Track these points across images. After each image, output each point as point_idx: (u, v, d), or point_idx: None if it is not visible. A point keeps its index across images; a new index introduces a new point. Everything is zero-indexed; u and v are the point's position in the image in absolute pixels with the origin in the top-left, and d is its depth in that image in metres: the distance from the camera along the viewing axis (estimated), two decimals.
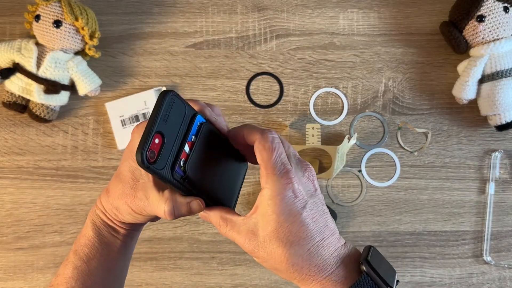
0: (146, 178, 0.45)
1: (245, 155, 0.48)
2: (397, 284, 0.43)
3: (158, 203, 0.44)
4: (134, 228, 0.53)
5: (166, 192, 0.44)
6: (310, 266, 0.41)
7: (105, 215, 0.50)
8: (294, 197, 0.41)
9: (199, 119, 0.44)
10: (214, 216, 0.45)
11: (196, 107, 0.45)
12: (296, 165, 0.43)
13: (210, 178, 0.46)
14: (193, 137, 0.44)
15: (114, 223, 0.51)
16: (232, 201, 0.49)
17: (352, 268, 0.41)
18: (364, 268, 0.41)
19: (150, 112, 0.75)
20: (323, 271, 0.41)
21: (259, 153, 0.42)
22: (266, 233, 0.41)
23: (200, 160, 0.44)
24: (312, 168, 0.44)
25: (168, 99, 0.41)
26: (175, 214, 0.44)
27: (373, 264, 0.41)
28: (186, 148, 0.43)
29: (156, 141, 0.40)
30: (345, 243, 0.43)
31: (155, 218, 0.50)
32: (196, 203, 0.44)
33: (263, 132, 0.43)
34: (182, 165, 0.43)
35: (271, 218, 0.41)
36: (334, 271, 0.41)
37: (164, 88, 0.80)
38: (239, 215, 0.44)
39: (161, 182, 0.44)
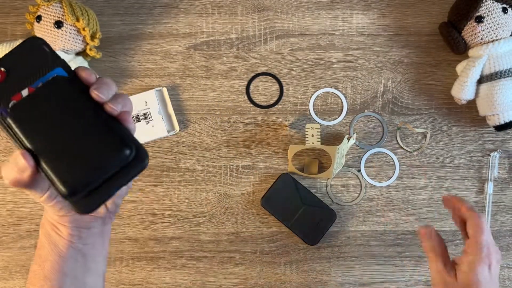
0: None
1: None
2: None
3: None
4: (77, 225, 0.49)
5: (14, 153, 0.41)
6: None
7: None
8: (489, 276, 0.57)
9: (58, 71, 0.42)
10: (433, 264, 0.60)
11: (79, 71, 0.42)
12: (494, 246, 0.58)
13: (48, 134, 0.41)
14: (40, 83, 0.41)
15: (53, 218, 0.49)
16: (92, 181, 0.40)
17: None
18: None
19: (150, 112, 0.75)
20: None
21: (473, 229, 0.58)
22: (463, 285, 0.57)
23: (36, 108, 0.40)
24: (500, 253, 0.59)
25: (30, 42, 0.40)
26: (8, 177, 0.41)
27: None
28: (25, 92, 0.41)
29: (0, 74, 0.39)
30: None
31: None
32: (15, 155, 0.40)
33: (478, 215, 0.58)
34: (10, 106, 0.40)
35: (469, 279, 0.57)
36: None
37: (164, 88, 0.80)
38: (449, 272, 0.58)
39: None
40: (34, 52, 0.40)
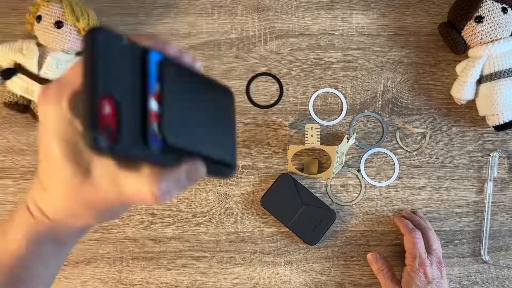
0: (105, 166, 0.32)
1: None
2: None
3: (138, 184, 0.31)
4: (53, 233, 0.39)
5: (146, 168, 0.32)
6: None
7: (56, 224, 0.37)
8: (425, 276, 0.70)
9: (154, 57, 0.31)
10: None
11: (148, 42, 0.33)
12: (431, 257, 0.72)
13: (199, 137, 0.33)
14: (157, 85, 0.30)
15: (60, 231, 0.38)
16: (235, 154, 0.36)
17: None
18: None
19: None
20: None
21: (406, 244, 0.73)
22: None
23: (178, 115, 0.31)
24: (442, 262, 0.73)
25: (100, 40, 0.27)
26: (170, 194, 0.32)
27: None
28: (153, 105, 0.30)
29: (107, 109, 0.27)
30: None
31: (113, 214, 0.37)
32: (193, 167, 0.33)
33: (410, 231, 0.73)
34: (157, 131, 0.30)
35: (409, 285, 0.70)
36: None
37: None
38: (395, 286, 0.72)
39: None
40: (111, 49, 0.28)
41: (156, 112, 0.29)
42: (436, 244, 0.74)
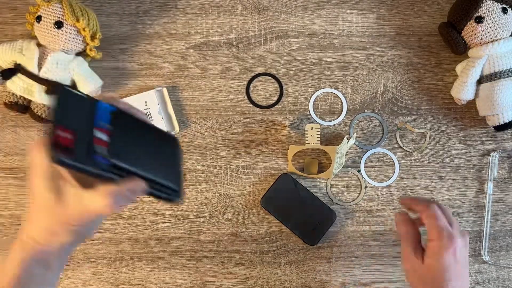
0: (72, 188, 0.45)
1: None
2: None
3: (95, 199, 0.44)
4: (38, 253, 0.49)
5: (100, 186, 0.44)
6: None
7: (41, 246, 0.47)
8: (453, 254, 0.60)
9: (105, 107, 0.45)
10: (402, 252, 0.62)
11: (102, 98, 0.47)
12: (458, 231, 0.61)
13: (141, 162, 0.46)
14: (107, 125, 0.45)
15: (53, 253, 0.48)
16: (179, 182, 0.49)
17: None
18: None
19: (150, 112, 0.77)
20: None
21: (426, 219, 0.61)
22: (435, 273, 0.60)
23: (124, 146, 0.45)
24: (468, 236, 0.63)
25: (61, 91, 0.42)
26: (118, 203, 0.44)
27: None
28: (102, 136, 0.44)
29: (63, 134, 0.40)
30: None
31: (89, 231, 0.49)
32: (134, 183, 0.45)
33: (426, 205, 0.62)
34: (105, 153, 0.43)
35: (437, 265, 0.60)
36: None
37: (164, 89, 0.80)
38: (417, 257, 0.61)
39: (86, 179, 0.44)
40: (69, 98, 0.42)
41: (106, 141, 0.43)
42: (450, 213, 0.64)
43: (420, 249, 0.62)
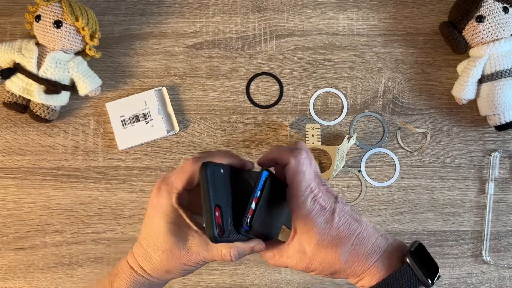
0: (197, 235, 0.48)
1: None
2: (437, 279, 0.46)
3: (222, 252, 0.47)
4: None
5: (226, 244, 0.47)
6: (358, 257, 0.47)
7: (150, 277, 0.51)
8: (322, 209, 0.47)
9: (264, 173, 0.47)
10: (263, 253, 0.50)
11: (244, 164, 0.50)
12: (316, 181, 0.48)
13: (269, 223, 0.49)
14: (259, 192, 0.46)
15: (159, 283, 0.52)
16: (278, 233, 0.52)
17: (396, 257, 0.47)
18: (407, 259, 0.46)
19: (150, 112, 0.76)
20: (369, 258, 0.47)
21: (290, 177, 0.47)
22: (313, 247, 0.47)
23: (264, 212, 0.47)
24: (325, 179, 0.52)
25: (209, 171, 0.44)
26: (238, 256, 0.47)
27: (416, 257, 0.46)
28: (253, 205, 0.46)
29: (217, 214, 0.43)
30: (383, 234, 0.49)
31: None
32: (258, 247, 0.48)
33: (294, 155, 0.48)
34: (248, 222, 0.45)
35: (311, 233, 0.47)
36: (379, 259, 0.47)
37: (164, 88, 0.80)
38: (281, 241, 0.50)
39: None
40: (215, 175, 0.44)
41: (253, 210, 0.45)
42: (308, 153, 0.49)
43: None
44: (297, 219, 0.47)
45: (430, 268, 0.46)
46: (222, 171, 0.45)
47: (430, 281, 0.45)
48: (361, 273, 0.47)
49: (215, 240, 0.42)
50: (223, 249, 0.47)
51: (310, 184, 0.47)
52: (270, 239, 0.50)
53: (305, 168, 0.47)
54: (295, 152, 0.48)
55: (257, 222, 0.46)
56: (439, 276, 0.47)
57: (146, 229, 0.50)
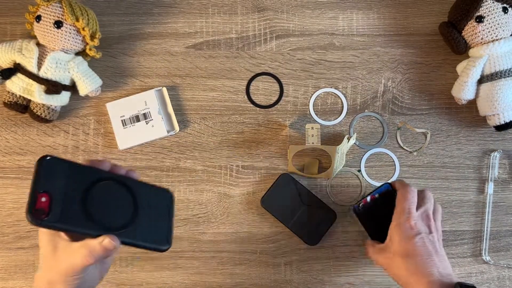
0: (63, 241, 0.52)
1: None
2: None
3: (75, 252, 0.51)
4: None
5: (78, 242, 0.51)
6: (418, 271, 0.61)
7: None
8: (410, 228, 0.63)
9: (387, 186, 0.71)
10: (367, 247, 0.70)
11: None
12: (420, 214, 0.65)
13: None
14: (377, 194, 0.70)
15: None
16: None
17: (448, 285, 0.59)
18: (458, 285, 0.58)
19: (150, 112, 0.78)
20: (425, 277, 0.60)
21: (400, 197, 0.66)
22: (394, 251, 0.64)
23: (372, 208, 0.69)
24: (433, 220, 0.66)
25: (44, 163, 0.49)
26: (94, 255, 0.50)
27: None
28: (368, 198, 0.69)
29: (43, 199, 0.47)
30: (452, 274, 0.61)
31: (91, 280, 0.55)
32: (107, 240, 0.50)
33: (405, 185, 0.67)
34: (360, 206, 0.65)
35: (395, 240, 0.64)
36: (434, 281, 0.59)
37: (164, 88, 0.80)
38: (379, 243, 0.67)
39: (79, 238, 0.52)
40: (53, 167, 0.50)
41: (367, 201, 0.69)
42: (430, 201, 0.68)
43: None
44: (391, 228, 0.65)
45: None
46: (67, 167, 0.51)
47: None
48: (418, 285, 0.60)
49: (31, 219, 0.46)
50: (76, 249, 0.51)
51: (410, 210, 0.65)
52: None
53: (410, 196, 0.66)
54: (406, 186, 0.68)
55: (363, 212, 0.67)
56: None
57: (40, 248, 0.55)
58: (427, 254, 0.61)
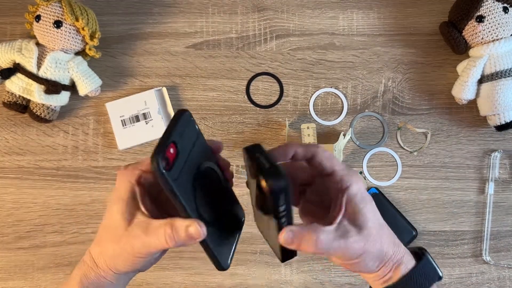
0: (141, 216, 0.44)
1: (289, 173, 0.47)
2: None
3: (157, 230, 0.43)
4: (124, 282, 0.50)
5: (161, 220, 0.43)
6: (396, 239, 0.47)
7: (97, 269, 0.48)
8: (366, 190, 0.46)
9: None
10: (319, 236, 0.44)
11: (213, 146, 0.49)
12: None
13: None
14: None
15: (107, 279, 0.48)
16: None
17: (412, 251, 0.48)
18: (426, 253, 0.48)
19: (150, 112, 0.76)
20: (401, 246, 0.47)
21: (330, 160, 0.46)
22: (374, 221, 0.45)
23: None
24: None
25: (185, 117, 0.43)
26: (175, 238, 0.42)
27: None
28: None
29: (171, 150, 0.40)
30: None
31: (148, 263, 0.48)
32: (194, 226, 0.42)
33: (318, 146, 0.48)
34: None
35: (369, 209, 0.45)
36: (405, 249, 0.47)
37: (164, 88, 0.80)
38: (323, 226, 0.44)
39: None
40: (188, 126, 0.44)
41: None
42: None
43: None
44: (350, 195, 0.45)
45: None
46: (197, 133, 0.45)
47: (440, 273, 0.48)
48: (400, 255, 0.46)
49: (156, 168, 0.39)
50: (159, 226, 0.43)
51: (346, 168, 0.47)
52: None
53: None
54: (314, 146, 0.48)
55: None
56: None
57: (105, 214, 0.47)
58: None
